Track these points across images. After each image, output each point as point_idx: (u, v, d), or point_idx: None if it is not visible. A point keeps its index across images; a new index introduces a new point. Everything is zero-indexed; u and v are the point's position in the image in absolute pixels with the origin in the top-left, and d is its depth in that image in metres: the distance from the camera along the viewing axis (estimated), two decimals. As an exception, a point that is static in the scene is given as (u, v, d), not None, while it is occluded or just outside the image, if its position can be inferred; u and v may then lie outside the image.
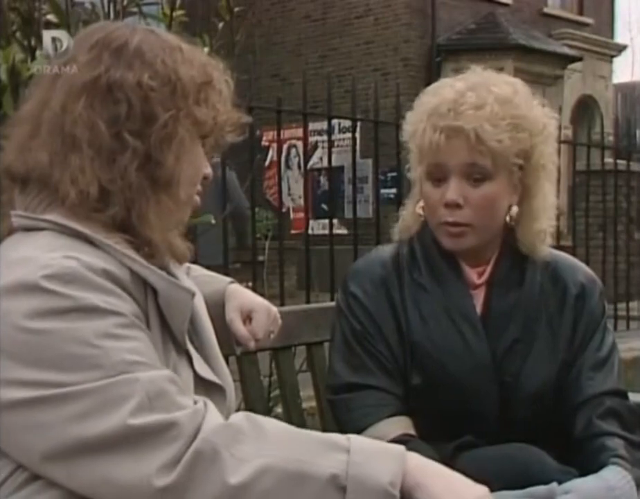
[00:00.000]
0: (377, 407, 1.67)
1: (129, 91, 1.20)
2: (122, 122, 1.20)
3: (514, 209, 1.72)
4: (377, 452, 1.12)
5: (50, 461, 1.09)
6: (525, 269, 1.76)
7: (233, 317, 1.59)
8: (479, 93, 1.67)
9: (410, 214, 1.82)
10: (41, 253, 1.14)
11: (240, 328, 1.59)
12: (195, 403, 1.13)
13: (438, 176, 1.69)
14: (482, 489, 1.20)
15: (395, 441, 1.61)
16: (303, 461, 1.09)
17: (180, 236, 1.34)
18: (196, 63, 1.27)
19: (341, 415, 1.72)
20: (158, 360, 1.17)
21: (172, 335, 1.25)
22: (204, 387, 1.29)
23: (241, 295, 1.63)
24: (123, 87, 1.20)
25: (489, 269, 1.75)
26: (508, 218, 1.73)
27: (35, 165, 1.20)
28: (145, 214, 1.21)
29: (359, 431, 1.65)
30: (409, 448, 1.57)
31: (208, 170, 1.32)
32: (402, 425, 1.66)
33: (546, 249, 1.76)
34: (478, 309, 1.74)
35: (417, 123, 1.71)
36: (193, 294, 1.27)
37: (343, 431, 1.69)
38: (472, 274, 1.75)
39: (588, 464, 1.62)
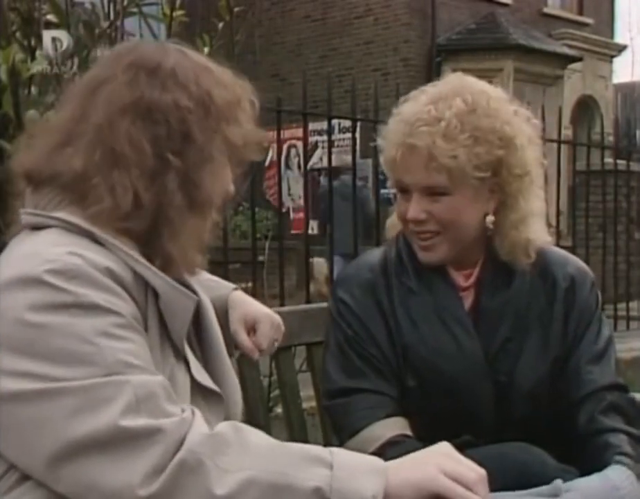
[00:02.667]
0: (372, 409, 1.68)
1: (168, 113, 1.23)
2: (164, 142, 1.22)
3: (490, 218, 1.71)
4: (360, 467, 1.12)
5: (45, 459, 1.08)
6: (513, 269, 1.75)
7: (237, 328, 1.59)
8: (440, 106, 1.65)
9: (397, 213, 1.83)
10: (46, 248, 1.15)
11: (244, 339, 1.60)
12: (183, 411, 1.13)
13: (403, 189, 1.71)
14: (443, 445, 1.21)
15: (391, 441, 1.62)
16: (287, 474, 1.09)
17: (197, 246, 1.37)
18: (226, 84, 1.29)
19: (337, 419, 1.72)
20: (152, 363, 1.17)
21: (171, 339, 1.25)
22: (202, 393, 1.29)
23: (244, 304, 1.63)
24: (161, 108, 1.23)
25: (475, 272, 1.75)
26: (486, 225, 1.72)
27: (67, 171, 1.22)
28: (177, 233, 1.23)
29: (355, 433, 1.66)
30: (405, 449, 1.58)
31: (232, 189, 1.34)
32: (398, 425, 1.67)
33: (529, 258, 1.73)
34: (468, 311, 1.74)
35: (385, 136, 1.72)
36: (195, 300, 1.27)
37: (340, 435, 1.70)
38: (459, 277, 1.75)
39: (592, 462, 1.61)
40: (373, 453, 1.57)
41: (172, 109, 1.23)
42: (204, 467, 1.07)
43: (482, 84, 1.74)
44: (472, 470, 1.15)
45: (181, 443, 1.07)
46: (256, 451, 1.11)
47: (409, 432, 1.66)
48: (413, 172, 1.66)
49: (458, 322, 1.71)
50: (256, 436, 1.15)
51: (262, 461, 1.10)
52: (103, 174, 1.21)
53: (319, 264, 7.32)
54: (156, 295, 1.22)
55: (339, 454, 1.13)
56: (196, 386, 1.27)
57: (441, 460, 1.15)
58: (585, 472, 1.59)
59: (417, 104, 1.68)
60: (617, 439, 1.63)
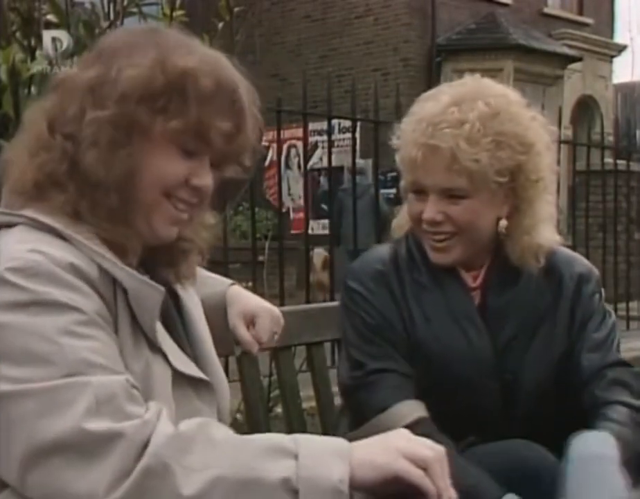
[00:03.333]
0: (401, 389, 1.69)
1: (79, 92, 1.21)
2: (62, 122, 1.21)
3: (503, 223, 1.72)
4: (325, 452, 1.12)
5: (17, 463, 1.07)
6: (520, 270, 1.76)
7: (236, 322, 1.59)
8: (463, 108, 1.65)
9: (403, 214, 1.83)
10: (10, 246, 1.15)
11: (244, 333, 1.59)
12: (148, 409, 1.11)
13: (419, 190, 1.71)
14: (402, 430, 1.22)
15: (419, 421, 1.63)
16: (254, 468, 1.08)
17: (191, 257, 1.35)
18: (169, 67, 1.20)
19: (366, 397, 1.72)
20: (119, 359, 1.15)
21: (144, 331, 1.24)
22: (189, 383, 1.28)
23: (243, 299, 1.63)
24: (77, 87, 1.21)
25: (482, 273, 1.77)
26: (499, 229, 1.73)
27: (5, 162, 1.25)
28: (86, 213, 1.20)
29: (381, 410, 1.66)
30: (423, 432, 1.59)
31: (198, 182, 1.26)
32: (422, 408, 1.67)
33: (538, 263, 1.74)
34: (476, 310, 1.75)
35: (402, 136, 1.72)
36: (162, 291, 1.24)
37: (365, 412, 1.69)
38: (467, 277, 1.76)
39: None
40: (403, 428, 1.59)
41: (83, 88, 1.21)
42: (170, 470, 1.05)
43: (501, 88, 1.74)
44: (430, 449, 1.16)
45: (145, 446, 1.06)
46: (222, 447, 1.10)
47: (427, 415, 1.67)
48: (433, 173, 1.66)
49: (470, 320, 1.72)
50: (220, 431, 1.14)
51: (228, 457, 1.09)
52: (14, 154, 1.23)
53: (317, 254, 7.79)
54: (125, 290, 1.20)
55: (303, 442, 1.12)
56: (181, 376, 1.26)
57: (401, 442, 1.16)
58: None
59: (438, 104, 1.67)
60: (611, 410, 1.62)
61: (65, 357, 1.08)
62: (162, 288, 1.25)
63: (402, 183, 1.77)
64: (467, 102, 1.66)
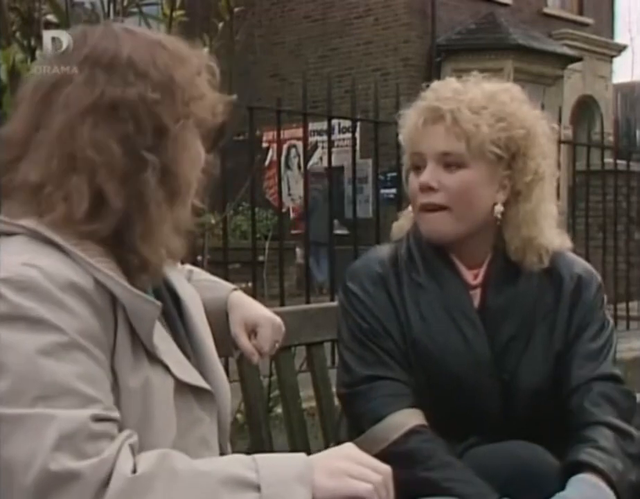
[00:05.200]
0: (395, 397, 1.69)
1: (134, 108, 1.18)
2: (136, 139, 1.18)
3: (499, 208, 1.72)
4: (287, 479, 1.10)
5: None
6: (521, 268, 1.76)
7: (238, 331, 1.59)
8: (467, 84, 1.73)
9: (405, 213, 1.85)
10: (7, 257, 1.13)
11: (245, 343, 1.59)
12: (112, 441, 1.08)
13: (418, 164, 1.73)
14: (347, 447, 1.21)
15: (414, 430, 1.64)
16: None
17: (177, 235, 1.32)
18: (183, 57, 1.24)
19: (359, 406, 1.72)
20: (98, 384, 1.12)
21: (144, 343, 1.22)
22: (192, 391, 1.27)
23: (244, 306, 1.62)
24: (126, 105, 1.18)
25: (483, 270, 1.76)
26: (495, 217, 1.73)
27: (23, 184, 1.19)
28: (152, 231, 1.19)
29: (377, 420, 1.66)
30: (427, 438, 1.62)
31: (203, 160, 1.30)
32: (418, 415, 1.67)
33: (541, 262, 1.74)
34: (476, 309, 1.75)
35: (406, 115, 1.77)
36: (159, 306, 1.23)
37: (360, 422, 1.70)
38: (468, 275, 1.76)
39: (569, 455, 1.60)
40: (397, 440, 1.62)
41: (138, 103, 1.18)
42: None
43: (507, 84, 1.80)
44: (376, 471, 1.16)
45: (104, 486, 1.03)
46: (182, 483, 1.08)
47: (425, 423, 1.67)
48: (433, 138, 1.69)
49: (467, 318, 1.72)
50: (182, 464, 1.11)
51: (190, 494, 1.07)
52: (58, 182, 1.17)
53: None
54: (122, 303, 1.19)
55: (264, 469, 1.11)
56: (184, 386, 1.26)
57: (347, 465, 1.15)
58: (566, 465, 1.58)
59: (447, 81, 1.76)
60: (595, 433, 1.62)
61: (40, 378, 1.06)
62: (158, 303, 1.24)
63: (404, 158, 1.80)
64: (474, 83, 1.74)
